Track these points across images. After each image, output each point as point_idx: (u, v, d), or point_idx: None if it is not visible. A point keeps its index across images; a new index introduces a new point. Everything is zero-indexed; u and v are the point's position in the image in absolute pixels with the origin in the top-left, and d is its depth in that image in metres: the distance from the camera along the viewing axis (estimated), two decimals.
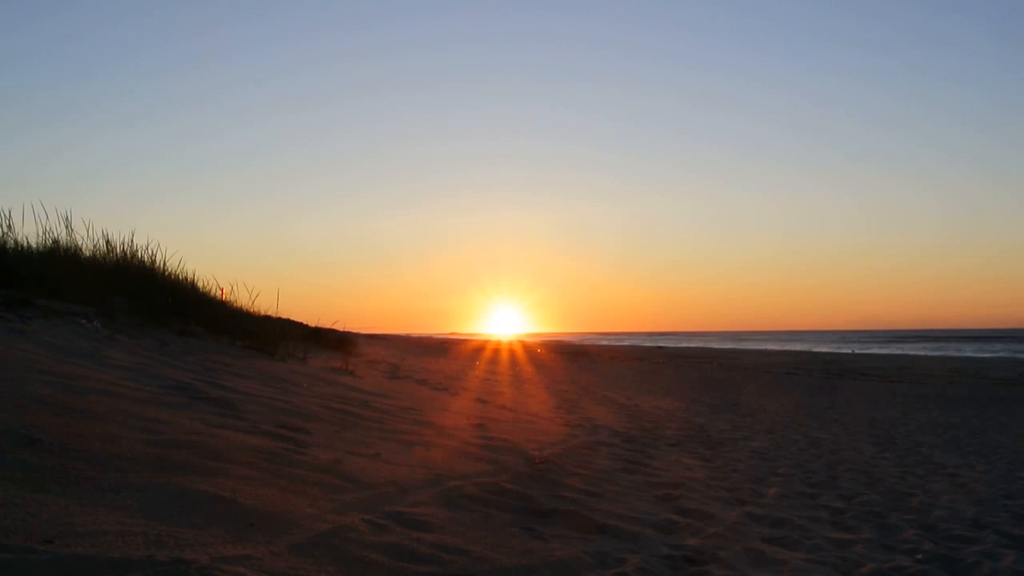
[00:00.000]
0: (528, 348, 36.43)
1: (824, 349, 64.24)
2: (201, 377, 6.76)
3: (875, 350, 62.47)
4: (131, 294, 9.23)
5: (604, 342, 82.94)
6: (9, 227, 9.20)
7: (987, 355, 52.63)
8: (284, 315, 13.95)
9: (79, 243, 9.68)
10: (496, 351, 27.98)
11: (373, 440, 5.72)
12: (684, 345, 72.06)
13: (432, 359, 20.26)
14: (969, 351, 59.14)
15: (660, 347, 65.48)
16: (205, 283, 11.27)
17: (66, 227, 9.57)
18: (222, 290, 11.58)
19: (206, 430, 4.57)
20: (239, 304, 11.68)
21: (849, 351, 58.88)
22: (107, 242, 9.93)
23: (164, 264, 10.46)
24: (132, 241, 10.14)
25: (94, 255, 9.79)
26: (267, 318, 12.14)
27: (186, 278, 10.84)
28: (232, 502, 3.31)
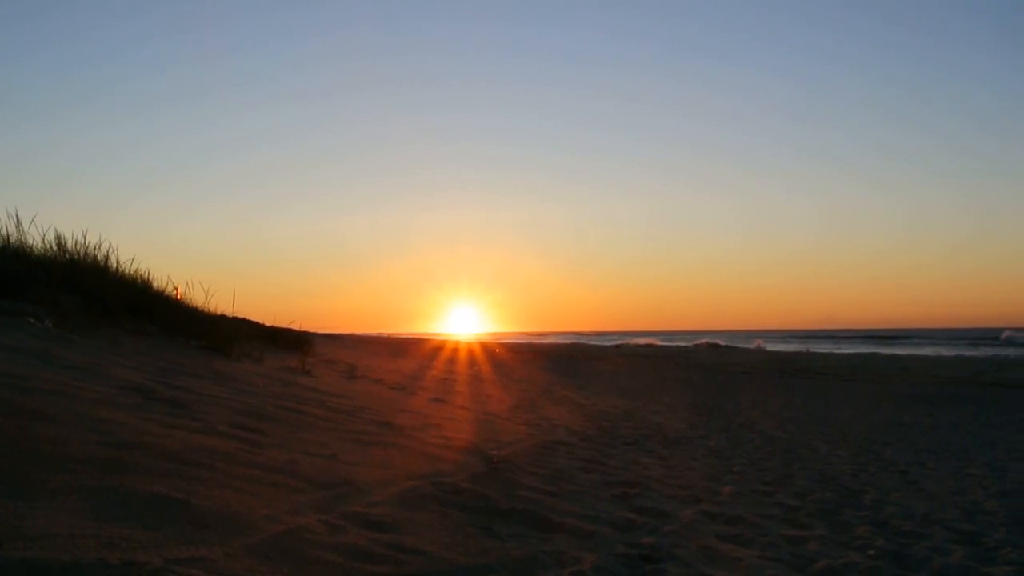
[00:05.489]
0: (487, 348, 36.41)
1: (780, 348, 64.98)
2: (155, 377, 6.67)
3: (830, 349, 63.33)
4: (84, 293, 9.08)
5: (563, 341, 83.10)
6: None
7: (940, 354, 53.58)
8: (240, 314, 13.81)
9: (30, 241, 9.51)
10: (455, 351, 27.92)
11: (330, 440, 5.69)
12: (642, 344, 72.42)
13: (390, 359, 20.18)
14: (922, 350, 60.13)
15: (618, 346, 65.79)
16: (160, 282, 11.13)
17: (16, 225, 9.40)
18: (176, 289, 11.44)
19: (160, 431, 4.51)
20: (194, 303, 11.54)
21: (804, 350, 59.58)
22: (59, 241, 9.76)
23: (118, 263, 10.31)
24: (85, 240, 9.98)
25: (45, 253, 9.61)
26: (223, 317, 12.01)
27: (140, 277, 10.69)
28: (186, 503, 3.28)
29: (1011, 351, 54.68)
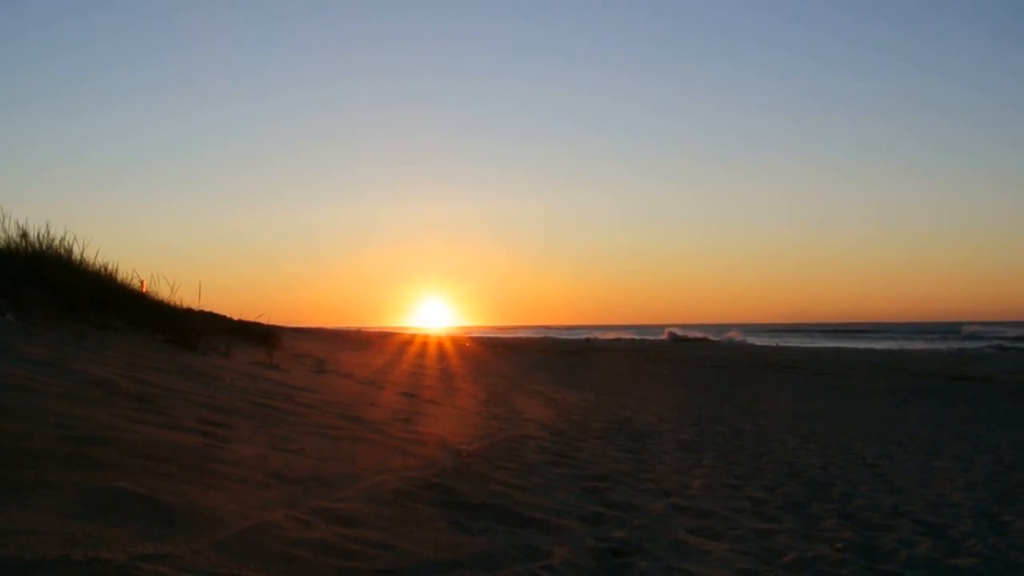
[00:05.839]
0: (457, 342, 36.38)
1: (751, 341, 65.51)
2: (120, 372, 6.59)
3: (799, 343, 63.93)
4: (47, 287, 8.96)
5: (532, 335, 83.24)
6: None
7: (908, 348, 54.30)
8: (207, 308, 13.71)
9: None
10: (425, 345, 27.83)
11: (298, 435, 5.65)
12: (612, 338, 72.70)
13: (359, 353, 20.10)
14: (890, 344, 60.88)
15: (588, 340, 65.96)
16: (125, 275, 11.01)
17: None
18: (142, 282, 11.32)
19: (124, 426, 4.46)
20: (160, 297, 11.43)
21: (774, 344, 60.08)
22: (23, 233, 9.62)
23: (82, 256, 10.18)
24: (48, 232, 9.84)
25: (8, 245, 9.47)
26: (189, 311, 11.90)
27: (105, 270, 10.58)
28: (151, 499, 3.24)
29: (974, 344, 55.50)
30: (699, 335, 72.73)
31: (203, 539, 2.95)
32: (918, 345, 58.42)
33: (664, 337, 71.28)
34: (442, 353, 24.68)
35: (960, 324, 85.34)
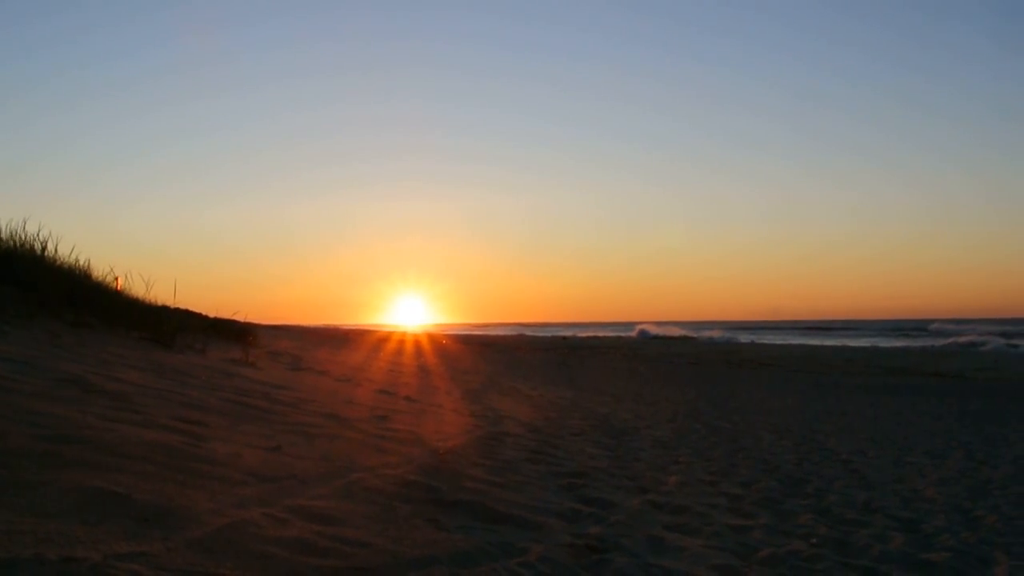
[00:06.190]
0: (434, 339, 36.33)
1: (727, 338, 65.89)
2: (95, 370, 6.54)
3: (775, 340, 64.35)
4: (20, 284, 8.87)
5: (510, 333, 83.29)
6: None
7: (881, 345, 54.76)
8: (182, 305, 13.62)
9: None
10: (402, 342, 27.78)
11: (274, 433, 5.64)
12: (589, 335, 72.88)
13: (336, 350, 20.02)
14: (864, 341, 61.38)
15: (565, 337, 66.04)
16: (100, 272, 10.92)
17: None
18: (117, 279, 11.23)
19: (99, 424, 4.43)
20: (135, 294, 11.35)
21: (750, 342, 60.44)
22: None
23: (56, 253, 10.09)
24: (24, 229, 9.75)
25: None
26: (164, 308, 11.82)
27: (80, 267, 10.49)
28: (127, 498, 3.23)
29: (944, 341, 56.03)
30: (678, 332, 73.00)
31: (179, 537, 2.94)
32: (890, 342, 58.90)
33: (634, 334, 71.51)
34: (418, 350, 24.64)
35: (928, 322, 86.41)
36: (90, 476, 3.42)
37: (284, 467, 4.55)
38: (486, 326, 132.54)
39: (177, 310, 12.90)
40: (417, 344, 27.84)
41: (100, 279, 10.85)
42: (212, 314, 15.04)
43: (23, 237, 9.73)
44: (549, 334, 79.02)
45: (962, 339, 55.75)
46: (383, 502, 4.24)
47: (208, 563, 2.77)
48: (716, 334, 72.78)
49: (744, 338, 67.53)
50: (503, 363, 25.72)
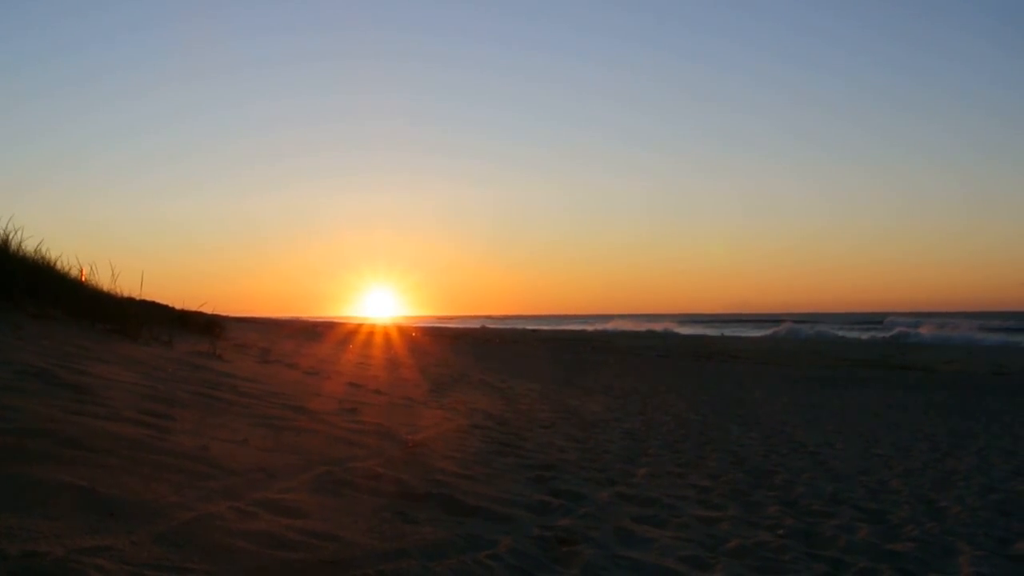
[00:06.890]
0: (404, 331, 36.24)
1: (698, 332, 66.30)
2: (58, 362, 6.45)
3: (743, 333, 64.86)
4: None
5: (476, 325, 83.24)
6: None
7: (849, 337, 55.32)
8: (149, 297, 13.44)
9: None
10: (371, 335, 27.66)
11: (241, 426, 5.59)
12: (559, 328, 73.03)
13: (305, 343, 19.91)
14: (832, 334, 61.98)
15: (534, 330, 66.12)
16: (64, 264, 10.77)
17: None
18: (82, 271, 11.09)
19: (63, 417, 4.37)
20: (100, 286, 11.20)
21: (719, 334, 60.86)
22: None
23: (20, 244, 9.94)
24: None
25: None
26: (130, 300, 11.67)
27: (43, 259, 10.33)
28: (90, 491, 3.19)
29: (906, 332, 56.63)
30: (647, 325, 73.31)
31: (144, 531, 2.91)
32: (862, 334, 59.52)
33: (603, 327, 71.76)
34: (389, 343, 24.57)
35: (883, 315, 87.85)
36: (54, 469, 3.37)
37: (251, 460, 4.52)
38: (450, 318, 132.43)
39: (143, 302, 12.75)
40: (386, 336, 27.75)
41: (65, 270, 10.71)
42: (179, 306, 14.91)
43: None
44: (518, 326, 79.10)
45: (925, 331, 56.43)
46: (351, 495, 4.22)
47: (174, 557, 2.74)
48: (684, 328, 73.20)
49: (712, 331, 67.97)
50: (473, 355, 25.70)
